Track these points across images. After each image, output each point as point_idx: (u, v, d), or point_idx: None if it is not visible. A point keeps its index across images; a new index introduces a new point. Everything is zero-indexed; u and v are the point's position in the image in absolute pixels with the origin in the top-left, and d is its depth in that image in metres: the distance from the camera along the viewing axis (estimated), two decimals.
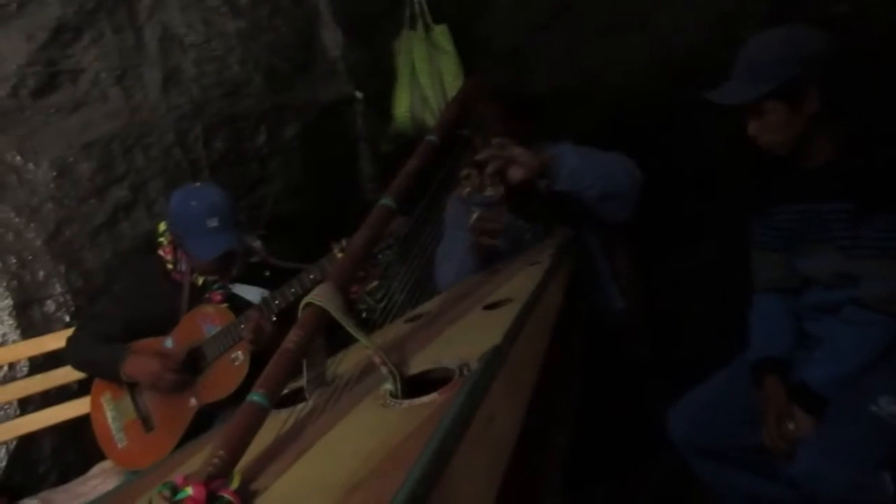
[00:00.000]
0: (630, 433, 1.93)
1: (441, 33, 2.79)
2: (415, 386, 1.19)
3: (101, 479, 2.40)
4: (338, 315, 1.19)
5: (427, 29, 2.83)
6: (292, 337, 1.15)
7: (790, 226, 1.74)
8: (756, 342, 1.81)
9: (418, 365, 1.25)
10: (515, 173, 1.81)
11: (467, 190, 2.17)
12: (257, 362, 2.11)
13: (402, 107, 2.88)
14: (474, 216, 2.09)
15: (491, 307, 1.50)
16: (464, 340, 1.32)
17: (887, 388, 1.53)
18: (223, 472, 0.94)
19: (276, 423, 1.14)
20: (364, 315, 1.97)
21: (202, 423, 2.20)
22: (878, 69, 1.74)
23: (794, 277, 1.78)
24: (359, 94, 3.35)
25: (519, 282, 1.66)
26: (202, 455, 1.09)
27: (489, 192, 2.11)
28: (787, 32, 1.63)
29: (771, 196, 1.77)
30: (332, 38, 3.31)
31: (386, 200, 1.48)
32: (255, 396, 1.06)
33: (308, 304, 1.20)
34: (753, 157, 1.74)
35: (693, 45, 2.10)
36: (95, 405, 2.36)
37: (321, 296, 1.19)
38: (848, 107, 1.63)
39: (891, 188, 1.53)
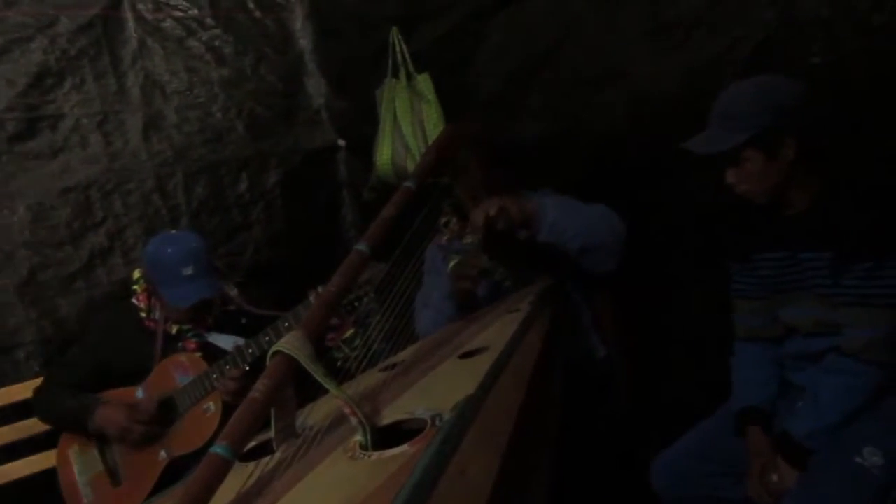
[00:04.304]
0: (612, 485, 1.88)
1: (423, 81, 2.80)
2: (387, 437, 1.15)
3: None
4: (307, 363, 1.15)
5: (409, 78, 2.84)
6: (259, 386, 1.11)
7: (770, 274, 1.72)
8: (738, 392, 1.78)
9: (391, 415, 1.21)
10: (497, 223, 1.79)
11: (447, 237, 2.17)
12: (230, 413, 2.05)
13: (385, 155, 2.87)
14: (452, 262, 2.07)
15: (466, 356, 1.46)
16: (438, 390, 1.29)
17: (871, 438, 1.50)
18: None
19: (241, 477, 1.09)
20: (339, 364, 1.93)
21: (172, 476, 2.13)
22: (854, 118, 1.76)
23: (776, 326, 1.76)
24: (342, 143, 3.36)
25: (496, 330, 1.63)
26: None
27: (468, 239, 2.10)
28: (762, 82, 1.63)
29: (750, 244, 1.76)
30: (315, 87, 3.33)
31: (361, 246, 1.46)
32: (218, 448, 1.02)
33: (276, 353, 1.17)
34: (732, 205, 1.74)
35: (671, 94, 2.12)
36: (62, 458, 2.29)
37: (290, 343, 1.16)
38: (825, 155, 1.63)
39: (868, 237, 1.52)
